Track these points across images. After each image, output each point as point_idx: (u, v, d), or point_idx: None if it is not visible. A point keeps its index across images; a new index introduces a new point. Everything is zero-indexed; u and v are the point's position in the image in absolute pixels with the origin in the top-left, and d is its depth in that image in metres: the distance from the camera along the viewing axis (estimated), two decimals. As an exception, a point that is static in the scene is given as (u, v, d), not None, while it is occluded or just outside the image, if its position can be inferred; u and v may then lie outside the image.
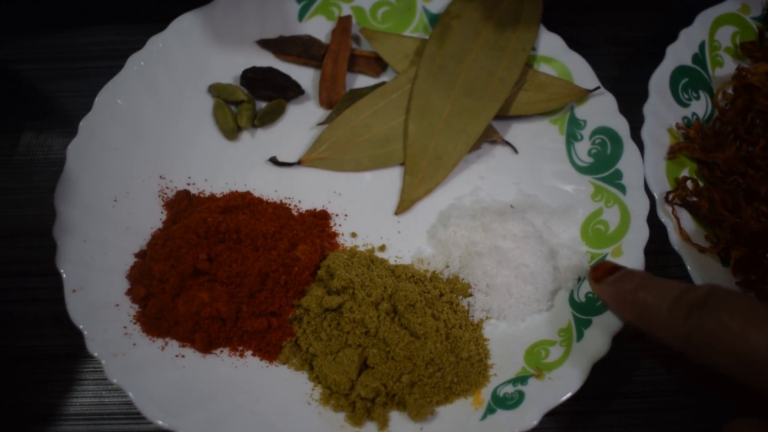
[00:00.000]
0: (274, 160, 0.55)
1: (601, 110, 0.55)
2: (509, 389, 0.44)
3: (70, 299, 0.44)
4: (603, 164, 0.53)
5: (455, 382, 0.44)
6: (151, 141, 0.54)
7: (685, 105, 0.55)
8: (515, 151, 0.56)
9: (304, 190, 0.54)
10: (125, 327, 0.45)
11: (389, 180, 0.55)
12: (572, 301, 0.48)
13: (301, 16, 0.61)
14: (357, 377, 0.44)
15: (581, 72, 0.57)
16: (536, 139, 0.56)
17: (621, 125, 0.53)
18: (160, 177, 0.53)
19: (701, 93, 0.56)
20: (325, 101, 0.58)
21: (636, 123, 0.52)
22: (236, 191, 0.53)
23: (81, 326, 0.43)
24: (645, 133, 0.51)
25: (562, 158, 0.55)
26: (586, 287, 0.48)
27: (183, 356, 0.45)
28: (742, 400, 0.36)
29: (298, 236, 0.49)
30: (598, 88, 0.55)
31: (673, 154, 0.52)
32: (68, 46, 0.63)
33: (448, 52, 0.57)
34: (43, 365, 0.49)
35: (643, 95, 0.53)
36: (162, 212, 0.52)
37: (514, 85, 0.56)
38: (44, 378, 0.48)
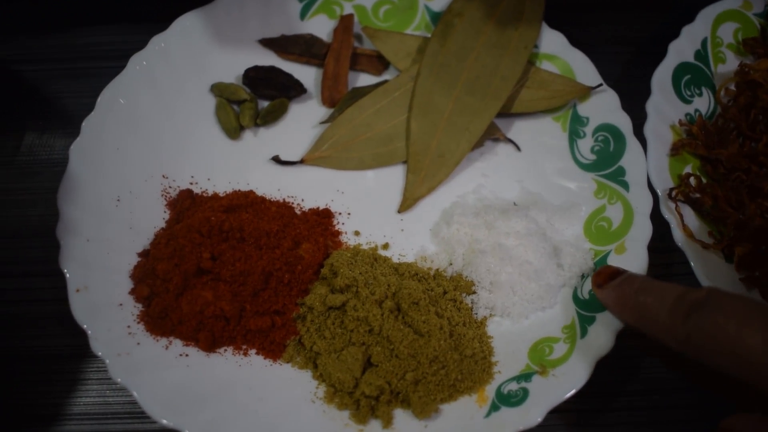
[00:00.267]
0: (276, 159, 0.55)
1: (604, 107, 0.55)
2: (513, 386, 0.44)
3: (73, 299, 0.44)
4: (606, 161, 0.53)
5: (459, 379, 0.44)
6: (154, 140, 0.54)
7: (687, 102, 0.54)
8: (518, 148, 0.56)
9: (307, 189, 0.54)
10: (129, 326, 0.45)
11: (392, 178, 0.55)
12: (576, 298, 0.48)
13: (303, 14, 0.61)
14: (361, 375, 0.44)
15: (583, 69, 0.57)
16: (539, 136, 0.56)
17: (624, 122, 0.53)
18: (163, 176, 0.53)
19: (704, 89, 0.56)
20: (328, 100, 0.57)
21: (639, 120, 0.52)
22: (239, 190, 0.53)
23: (85, 326, 0.43)
24: (648, 129, 0.51)
25: (564, 155, 0.55)
26: (589, 284, 0.48)
27: (187, 355, 0.45)
28: (742, 400, 0.37)
29: (301, 235, 0.49)
30: (601, 85, 0.55)
31: (676, 150, 0.52)
32: (70, 47, 0.63)
33: (450, 50, 0.57)
34: (47, 365, 0.49)
35: (646, 93, 0.52)
36: (165, 211, 0.52)
37: (516, 82, 0.56)
38: (48, 378, 0.49)
